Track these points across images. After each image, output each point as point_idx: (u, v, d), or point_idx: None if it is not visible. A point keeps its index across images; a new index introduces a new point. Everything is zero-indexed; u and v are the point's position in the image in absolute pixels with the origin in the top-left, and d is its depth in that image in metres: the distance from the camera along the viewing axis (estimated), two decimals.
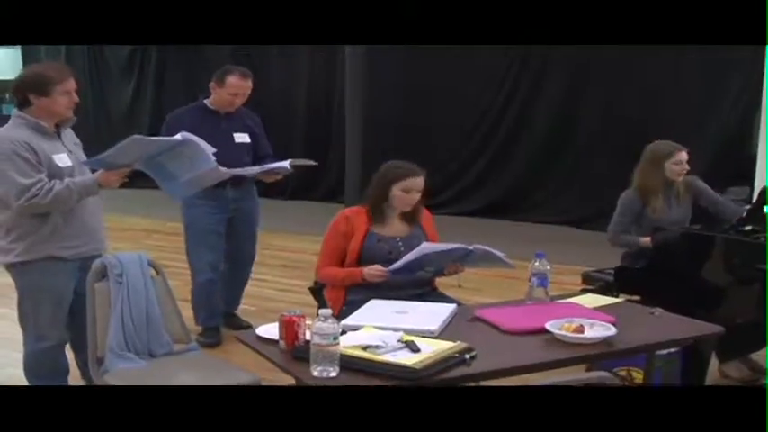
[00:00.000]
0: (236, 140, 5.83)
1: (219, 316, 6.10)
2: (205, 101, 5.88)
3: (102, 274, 4.03)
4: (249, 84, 5.82)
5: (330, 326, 2.87)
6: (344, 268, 4.31)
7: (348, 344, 3.05)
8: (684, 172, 5.21)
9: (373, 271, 4.14)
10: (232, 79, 5.73)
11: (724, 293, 4.49)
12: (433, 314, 3.57)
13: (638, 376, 4.32)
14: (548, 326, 3.32)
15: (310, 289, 4.65)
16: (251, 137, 5.95)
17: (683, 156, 5.21)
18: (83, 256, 4.24)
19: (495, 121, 11.86)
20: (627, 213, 5.21)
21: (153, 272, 4.17)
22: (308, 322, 3.14)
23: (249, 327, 6.11)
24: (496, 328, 3.48)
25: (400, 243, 4.33)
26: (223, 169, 5.13)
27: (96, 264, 4.06)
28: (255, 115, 6.13)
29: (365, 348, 3.03)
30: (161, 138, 4.11)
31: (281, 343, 3.16)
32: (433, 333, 3.33)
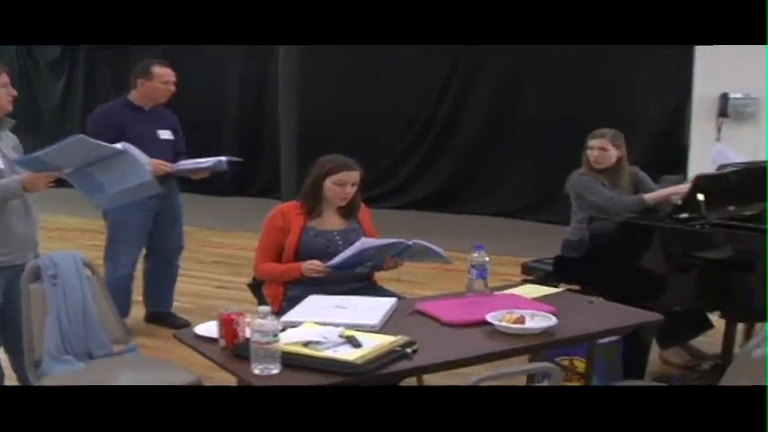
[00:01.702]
0: (161, 137, 5.82)
1: (128, 311, 6.01)
2: (129, 97, 5.83)
3: (37, 276, 3.94)
4: (172, 71, 5.84)
5: (270, 323, 2.83)
6: (283, 264, 4.26)
7: (289, 340, 3.00)
8: (597, 158, 5.24)
9: (311, 266, 4.10)
10: (158, 69, 5.71)
11: (662, 282, 4.51)
12: (374, 308, 3.54)
13: (580, 365, 4.34)
14: (488, 317, 3.32)
15: (249, 285, 4.60)
16: (173, 134, 5.93)
17: (593, 143, 5.26)
18: (9, 265, 4.12)
19: (430, 115, 11.97)
20: (596, 182, 5.21)
21: (88, 272, 4.08)
22: (247, 319, 3.09)
23: (188, 324, 6.07)
24: (437, 320, 3.46)
25: (338, 237, 4.29)
26: (172, 166, 5.08)
27: (30, 265, 3.96)
28: (173, 114, 6.11)
29: (306, 344, 2.99)
30: (105, 144, 3.99)
31: (221, 341, 3.11)
32: (373, 327, 3.30)
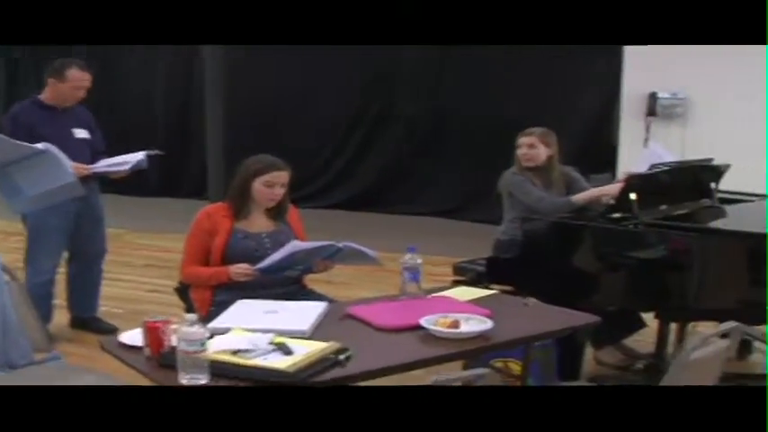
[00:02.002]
0: (76, 136, 5.63)
1: (50, 316, 5.84)
2: (39, 97, 5.66)
3: None
4: (89, 76, 5.65)
5: (197, 331, 2.73)
6: (210, 268, 4.15)
7: (217, 349, 2.90)
8: (525, 156, 5.21)
9: (239, 270, 4.00)
10: (73, 72, 5.54)
11: (596, 282, 4.49)
12: (304, 313, 3.45)
13: (515, 368, 4.29)
14: (422, 322, 3.24)
15: (176, 289, 4.48)
16: (89, 133, 5.76)
17: (522, 140, 5.24)
18: None
19: (357, 116, 11.89)
20: (528, 182, 5.17)
21: (7, 277, 3.92)
22: (173, 327, 2.98)
23: (115, 330, 5.92)
24: (369, 325, 3.38)
25: (266, 240, 4.20)
26: (90, 167, 4.94)
27: None
28: (89, 111, 5.93)
29: (235, 353, 2.89)
30: (25, 144, 3.84)
31: (146, 350, 3.00)
32: (304, 333, 3.21)
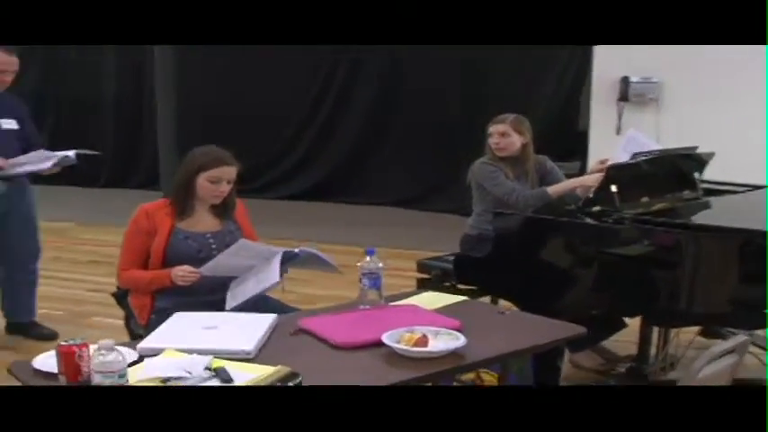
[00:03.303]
0: (3, 126, 5.18)
1: None
2: None
3: None
4: (15, 59, 5.18)
5: (114, 360, 2.29)
6: (149, 271, 3.76)
7: (145, 376, 2.47)
8: (497, 145, 4.89)
9: (181, 272, 3.63)
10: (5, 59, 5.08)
11: (573, 283, 4.09)
12: (249, 329, 2.97)
13: (489, 378, 3.88)
14: (384, 339, 2.81)
15: (113, 294, 4.06)
16: (19, 123, 5.29)
17: (493, 128, 4.92)
18: None
19: (315, 103, 11.59)
20: (500, 173, 4.84)
21: None
22: (93, 350, 2.54)
23: (54, 336, 5.54)
24: (325, 342, 2.94)
25: (211, 240, 3.81)
26: (5, 161, 4.53)
27: None
28: (21, 101, 5.48)
29: (165, 381, 2.45)
30: None
31: (61, 378, 2.54)
32: (249, 354, 2.76)
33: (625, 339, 4.87)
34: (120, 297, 4.01)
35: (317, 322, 3.11)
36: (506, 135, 4.86)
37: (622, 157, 4.63)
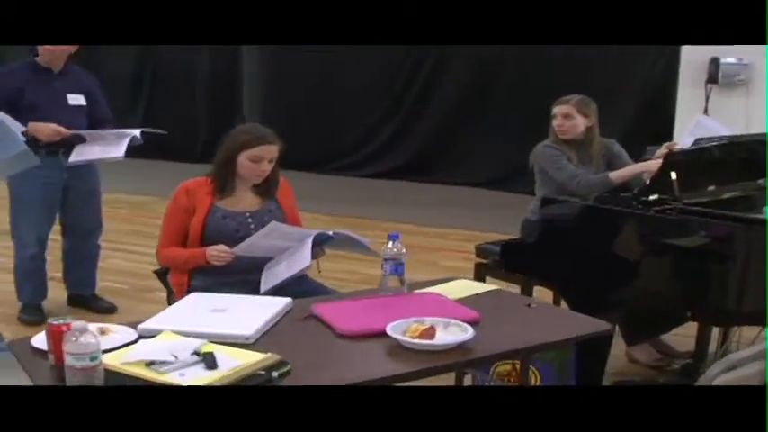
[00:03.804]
0: (71, 102, 5.18)
1: (44, 292, 5.53)
2: (36, 58, 5.18)
3: None
4: None
5: (85, 343, 2.21)
6: (187, 249, 3.73)
7: (132, 358, 2.39)
8: (561, 128, 4.71)
9: (215, 252, 3.58)
10: None
11: (622, 277, 3.86)
12: (256, 314, 2.87)
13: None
14: (388, 329, 2.67)
15: (155, 272, 4.06)
16: (87, 98, 5.27)
17: (558, 110, 4.75)
18: None
19: (406, 82, 11.52)
20: (562, 156, 4.67)
21: None
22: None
23: (113, 309, 5.58)
24: (331, 329, 2.83)
25: (249, 219, 3.76)
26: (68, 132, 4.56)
27: None
28: (92, 77, 5.47)
29: (149, 365, 2.37)
30: None
31: (51, 357, 2.48)
32: (247, 339, 2.66)
33: (686, 333, 4.63)
34: (162, 275, 3.99)
35: (330, 308, 2.99)
36: (570, 117, 4.68)
37: (689, 142, 4.41)
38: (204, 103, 12.73)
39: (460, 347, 2.63)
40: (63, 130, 4.95)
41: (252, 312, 2.90)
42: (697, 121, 4.80)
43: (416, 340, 2.61)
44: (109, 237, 7.52)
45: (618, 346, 4.43)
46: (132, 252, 7.03)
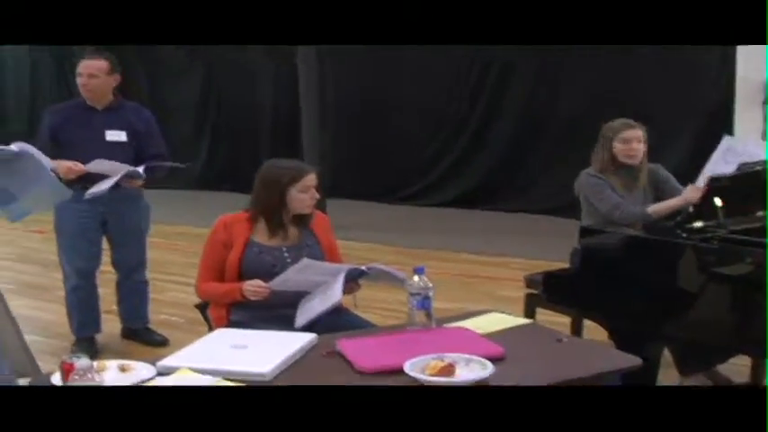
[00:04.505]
0: (108, 138, 5.16)
1: (94, 326, 5.52)
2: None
3: None
4: (98, 62, 5.17)
5: (88, 382, 2.21)
6: (225, 284, 3.73)
7: None
8: (635, 152, 4.58)
9: (251, 287, 3.58)
10: (81, 62, 5.17)
11: (674, 303, 3.75)
12: (277, 350, 2.85)
13: None
14: (406, 366, 2.62)
15: (197, 306, 4.05)
16: (134, 134, 5.25)
17: (632, 134, 4.58)
18: None
19: (466, 111, 11.43)
20: (606, 186, 4.56)
21: None
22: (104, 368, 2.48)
23: (165, 343, 5.57)
24: (350, 365, 2.79)
25: (286, 254, 3.74)
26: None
27: None
28: (146, 111, 5.47)
29: None
30: None
31: None
32: (264, 377, 2.64)
33: (744, 363, 4.47)
34: (203, 308, 3.99)
35: (354, 344, 2.95)
36: (642, 141, 4.60)
37: (721, 168, 4.27)
38: (267, 133, 12.85)
39: (478, 385, 2.57)
40: (76, 166, 4.90)
41: (273, 349, 2.87)
42: (725, 145, 4.61)
43: (434, 378, 2.55)
44: (168, 269, 7.65)
45: (671, 375, 4.30)
46: (189, 285, 7.03)
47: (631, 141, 4.58)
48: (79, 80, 5.15)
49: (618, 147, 4.60)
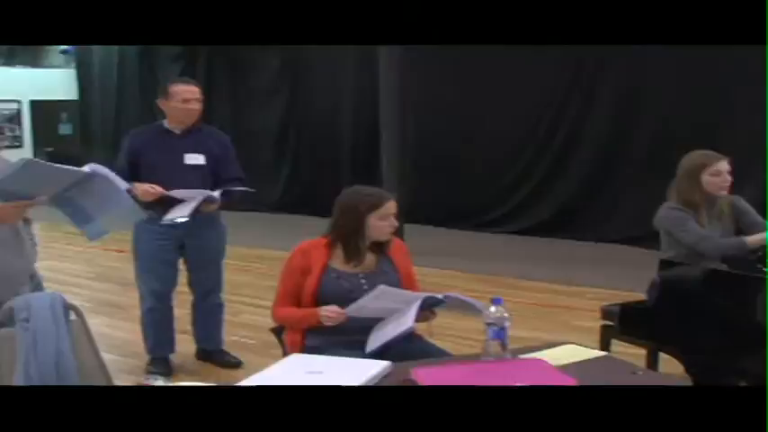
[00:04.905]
0: (186, 162, 5.26)
1: (169, 346, 5.62)
2: (164, 121, 5.37)
3: (10, 319, 3.44)
4: (195, 88, 5.31)
5: None
6: (301, 309, 3.78)
7: None
8: (726, 184, 4.53)
9: (326, 313, 3.61)
10: (177, 87, 5.26)
11: (754, 339, 3.67)
12: (352, 376, 2.87)
13: None
14: None
15: (272, 330, 4.09)
16: (211, 158, 5.34)
17: (722, 166, 4.54)
18: None
19: (546, 137, 11.39)
20: (689, 218, 4.52)
21: (73, 315, 3.56)
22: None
23: (238, 365, 5.62)
24: None
25: (363, 280, 3.77)
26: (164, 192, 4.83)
27: (4, 307, 3.49)
28: (224, 135, 5.57)
29: None
30: (67, 167, 3.47)
31: None
32: None
33: None
34: (278, 332, 4.03)
35: (429, 373, 2.95)
36: (731, 173, 4.57)
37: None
38: (347, 157, 12.94)
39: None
40: (154, 189, 5.00)
41: (348, 375, 2.88)
42: None
43: None
44: (245, 291, 7.74)
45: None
46: (265, 307, 7.09)
47: (723, 173, 4.54)
48: (185, 105, 5.25)
49: (708, 179, 4.54)
